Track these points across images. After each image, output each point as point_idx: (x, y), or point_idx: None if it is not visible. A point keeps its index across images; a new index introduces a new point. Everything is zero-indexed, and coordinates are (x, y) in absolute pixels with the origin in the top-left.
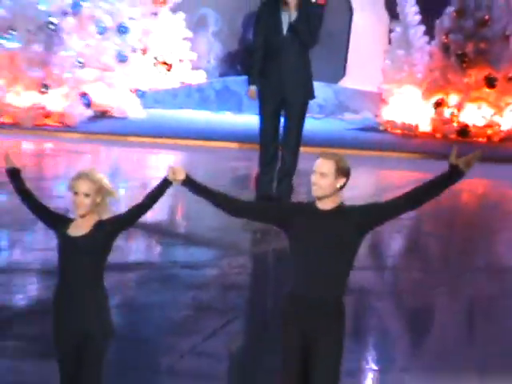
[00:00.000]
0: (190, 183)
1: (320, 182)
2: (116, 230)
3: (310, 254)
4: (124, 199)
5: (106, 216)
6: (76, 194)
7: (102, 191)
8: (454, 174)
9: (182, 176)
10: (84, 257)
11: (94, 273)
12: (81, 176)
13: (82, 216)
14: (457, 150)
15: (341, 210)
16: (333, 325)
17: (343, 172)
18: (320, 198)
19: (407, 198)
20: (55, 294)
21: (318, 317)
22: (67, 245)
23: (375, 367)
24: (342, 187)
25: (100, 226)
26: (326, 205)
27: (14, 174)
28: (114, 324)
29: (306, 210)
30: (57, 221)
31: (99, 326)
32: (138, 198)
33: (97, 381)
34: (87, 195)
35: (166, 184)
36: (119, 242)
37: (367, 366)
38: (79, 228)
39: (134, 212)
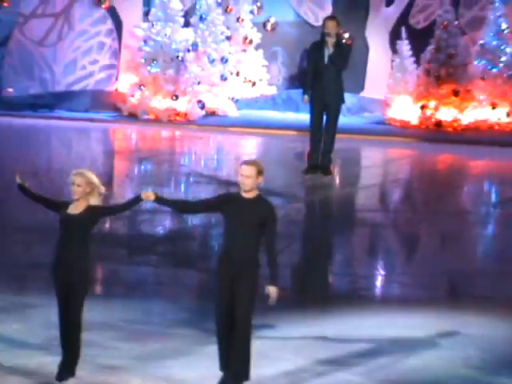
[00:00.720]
0: (157, 201)
1: (246, 181)
2: (99, 215)
3: (237, 227)
4: (228, 168)
5: (94, 202)
6: (73, 184)
7: (90, 185)
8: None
9: (152, 198)
10: (76, 228)
11: (82, 239)
12: (76, 173)
13: (76, 200)
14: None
15: (259, 200)
16: (250, 272)
17: (261, 173)
18: (246, 191)
19: (265, 244)
20: (55, 252)
21: (241, 267)
22: (66, 220)
23: (382, 272)
24: (260, 183)
25: (89, 209)
26: (249, 195)
27: (22, 187)
28: (92, 274)
29: (234, 198)
30: (59, 206)
31: (82, 274)
32: (232, 169)
33: (78, 311)
34: (79, 185)
35: (138, 200)
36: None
37: (377, 272)
38: (75, 209)
39: (114, 210)
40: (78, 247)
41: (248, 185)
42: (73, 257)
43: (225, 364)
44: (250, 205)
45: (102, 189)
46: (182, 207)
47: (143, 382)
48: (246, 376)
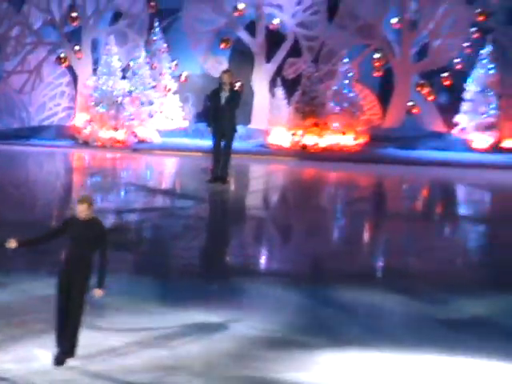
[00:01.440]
0: (20, 245)
1: (81, 214)
2: None
3: (76, 242)
4: (153, 179)
5: None
6: None
7: None
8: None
9: (14, 245)
10: None
11: None
12: None
13: None
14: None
15: (93, 222)
16: (83, 275)
17: (91, 204)
18: (83, 218)
19: (99, 256)
20: None
21: (76, 269)
22: None
23: (266, 252)
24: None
25: None
26: (85, 219)
27: None
28: None
29: (75, 221)
30: None
31: None
32: (156, 180)
33: None
34: None
35: (2, 246)
36: (159, 199)
37: (261, 252)
38: None
39: None
40: None
41: (83, 216)
42: None
43: (59, 343)
44: (86, 226)
45: None
46: (40, 241)
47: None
48: (72, 353)
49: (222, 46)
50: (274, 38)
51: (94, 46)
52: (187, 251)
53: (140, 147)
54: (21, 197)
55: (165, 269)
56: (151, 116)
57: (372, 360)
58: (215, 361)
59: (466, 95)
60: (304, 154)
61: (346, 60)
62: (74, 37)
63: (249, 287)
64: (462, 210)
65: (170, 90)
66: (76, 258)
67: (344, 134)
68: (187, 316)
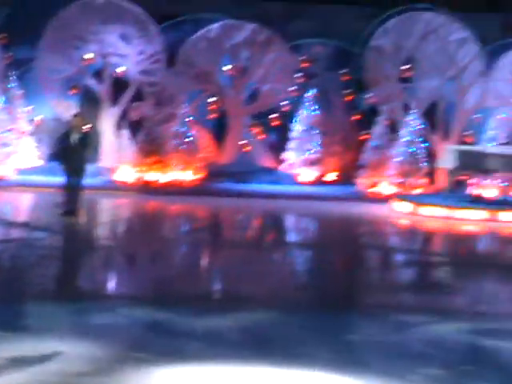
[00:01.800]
0: None
1: None
2: None
3: None
4: (10, 215)
5: None
6: None
7: None
8: None
9: None
10: None
11: None
12: None
13: None
14: None
15: None
16: None
17: None
18: None
19: None
20: None
21: None
22: None
23: (114, 278)
24: None
25: None
26: None
27: None
28: None
29: None
30: None
31: None
32: (13, 213)
33: None
34: None
35: None
36: (16, 231)
37: (109, 277)
38: None
39: None
40: None
41: None
42: None
43: None
44: None
45: None
46: None
47: None
48: None
49: (72, 91)
50: (119, 85)
51: None
52: (42, 278)
53: None
54: None
55: (20, 295)
56: (8, 156)
57: (208, 373)
58: (64, 380)
59: (293, 134)
60: (147, 188)
61: (184, 104)
62: None
63: (96, 310)
64: (292, 237)
65: (26, 132)
66: None
67: (184, 170)
68: (36, 341)
